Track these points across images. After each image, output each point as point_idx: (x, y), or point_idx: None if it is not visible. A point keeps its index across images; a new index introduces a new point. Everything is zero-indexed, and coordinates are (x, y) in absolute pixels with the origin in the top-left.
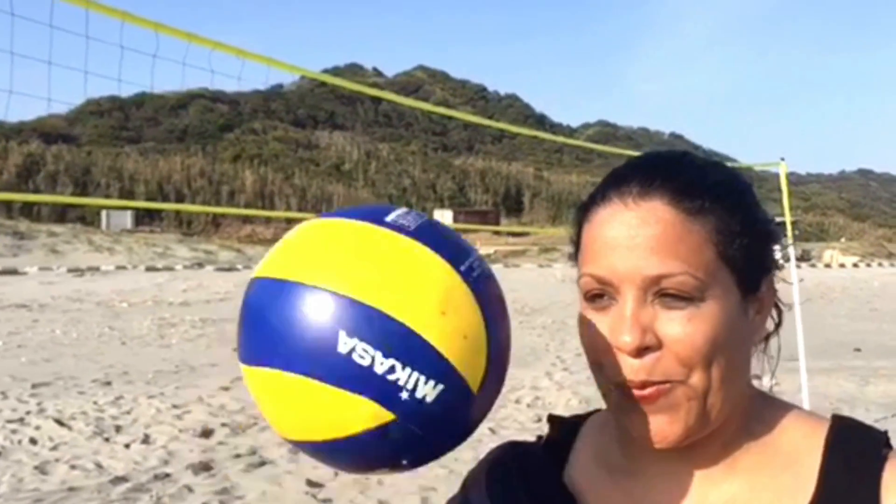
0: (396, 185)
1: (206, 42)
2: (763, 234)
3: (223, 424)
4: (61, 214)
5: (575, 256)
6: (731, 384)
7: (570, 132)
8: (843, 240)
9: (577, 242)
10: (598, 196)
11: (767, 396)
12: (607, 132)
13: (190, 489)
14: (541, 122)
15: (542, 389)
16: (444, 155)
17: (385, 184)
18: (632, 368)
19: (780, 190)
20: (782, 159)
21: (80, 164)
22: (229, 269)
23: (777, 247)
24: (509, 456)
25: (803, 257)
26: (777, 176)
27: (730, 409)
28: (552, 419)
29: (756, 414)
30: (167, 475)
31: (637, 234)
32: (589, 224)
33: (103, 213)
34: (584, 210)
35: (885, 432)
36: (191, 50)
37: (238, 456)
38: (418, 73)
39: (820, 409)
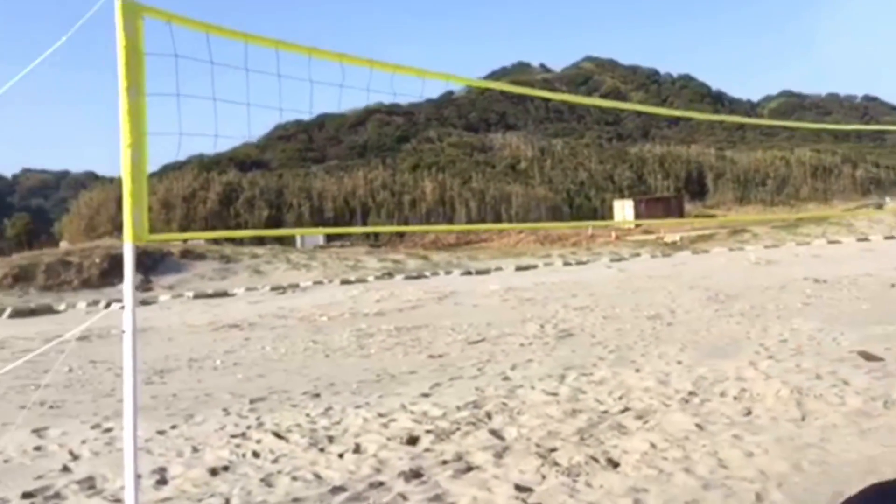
0: (573, 179)
1: (388, 66)
2: None
3: (427, 431)
4: (261, 237)
5: None
6: None
7: (751, 107)
8: None
9: None
10: None
11: None
12: (793, 102)
13: (404, 497)
14: (718, 99)
15: (747, 380)
16: (620, 144)
17: (562, 179)
18: None
19: None
20: None
21: (273, 188)
22: (418, 277)
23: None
24: None
25: None
26: None
27: None
28: None
29: None
30: (381, 483)
31: None
32: None
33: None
34: None
35: None
36: (373, 75)
37: (445, 462)
38: (586, 63)
39: None
